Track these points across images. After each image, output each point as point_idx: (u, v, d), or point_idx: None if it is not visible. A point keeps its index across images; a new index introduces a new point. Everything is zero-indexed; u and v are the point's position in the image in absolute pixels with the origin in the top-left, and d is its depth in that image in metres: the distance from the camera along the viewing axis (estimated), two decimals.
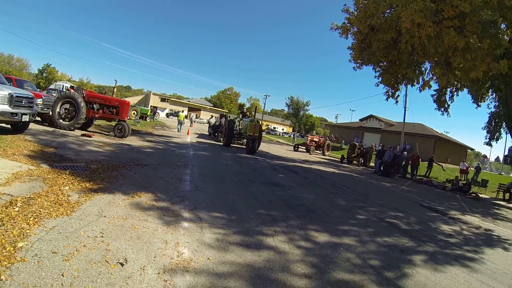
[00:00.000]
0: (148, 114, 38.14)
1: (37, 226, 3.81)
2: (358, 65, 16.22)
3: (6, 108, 8.96)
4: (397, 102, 17.55)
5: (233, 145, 21.62)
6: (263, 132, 30.49)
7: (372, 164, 26.35)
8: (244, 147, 20.05)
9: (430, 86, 15.41)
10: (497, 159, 73.41)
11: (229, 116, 23.93)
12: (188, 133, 26.62)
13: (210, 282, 3.27)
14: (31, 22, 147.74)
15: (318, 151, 32.64)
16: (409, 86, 24.04)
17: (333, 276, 3.95)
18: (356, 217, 7.54)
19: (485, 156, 54.59)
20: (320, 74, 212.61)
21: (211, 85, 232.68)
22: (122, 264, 3.27)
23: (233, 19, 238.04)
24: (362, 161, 26.93)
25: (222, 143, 21.81)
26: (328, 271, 4.07)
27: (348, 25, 15.42)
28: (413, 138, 38.99)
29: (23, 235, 3.51)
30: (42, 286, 2.66)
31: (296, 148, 32.02)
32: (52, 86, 31.96)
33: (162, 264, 3.45)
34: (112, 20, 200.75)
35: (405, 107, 33.56)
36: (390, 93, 17.29)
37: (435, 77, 14.86)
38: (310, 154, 29.46)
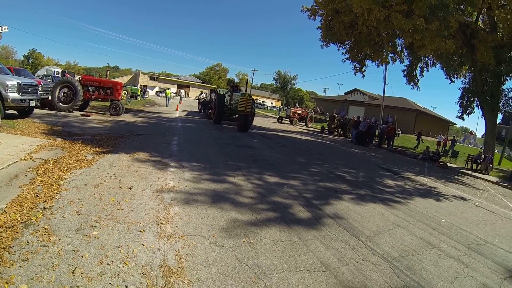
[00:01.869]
0: (139, 93, 39.47)
1: (69, 173, 5.74)
2: (325, 43, 18.10)
3: (16, 95, 10.49)
4: (363, 76, 19.55)
5: (225, 124, 20.16)
6: None
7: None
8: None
9: (388, 63, 17.35)
10: (483, 135, 76.33)
11: (219, 91, 22.88)
12: (177, 109, 28.35)
13: (186, 197, 5.30)
14: (13, 8, 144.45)
15: (301, 123, 34.40)
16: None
17: (271, 199, 5.99)
18: (309, 169, 9.60)
19: (471, 132, 56.85)
20: (309, 49, 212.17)
21: (199, 61, 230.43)
22: (130, 188, 5.25)
23: None
24: (342, 132, 28.47)
25: (212, 120, 20.54)
26: (268, 196, 6.12)
27: (316, 7, 17.16)
28: (395, 112, 40.96)
29: (61, 178, 5.42)
30: (82, 199, 4.58)
31: (280, 120, 33.82)
32: (41, 72, 32.66)
33: (155, 188, 5.47)
34: (94, 1, 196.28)
35: (384, 82, 35.36)
36: (357, 68, 19.23)
37: (390, 54, 16.80)
38: (293, 125, 31.28)
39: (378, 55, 18.10)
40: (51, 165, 6.08)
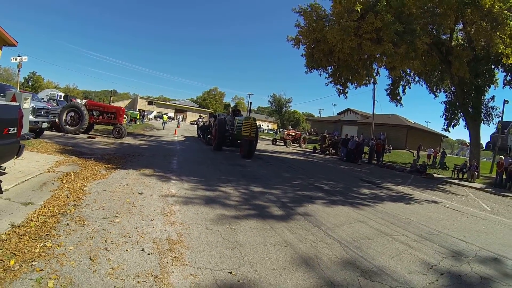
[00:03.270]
0: (138, 117, 41.10)
1: (88, 182, 7.05)
2: (308, 69, 19.95)
3: (30, 117, 11.83)
4: (346, 97, 21.24)
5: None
6: None
7: None
8: (237, 149, 18.14)
9: (365, 84, 19.17)
10: (480, 146, 78.14)
11: (218, 115, 21.72)
12: (175, 133, 29.79)
13: (185, 200, 6.63)
14: (12, 31, 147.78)
15: (295, 144, 35.87)
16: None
17: (253, 202, 7.31)
18: (292, 182, 10.92)
19: (466, 144, 58.31)
20: (304, 71, 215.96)
21: (196, 86, 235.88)
22: (140, 193, 6.57)
23: (212, 17, 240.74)
24: (333, 151, 29.47)
25: (212, 146, 19.15)
26: (251, 200, 7.44)
27: (300, 37, 19.03)
28: (387, 128, 42.74)
29: (84, 185, 6.74)
30: (103, 200, 5.87)
31: (274, 142, 35.27)
32: (42, 95, 33.92)
33: (160, 193, 6.79)
34: (93, 26, 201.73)
35: (373, 100, 37.29)
36: (340, 90, 20.96)
37: (366, 77, 18.58)
38: (286, 147, 32.65)
39: (355, 78, 19.87)
40: (72, 176, 7.40)
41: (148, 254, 3.89)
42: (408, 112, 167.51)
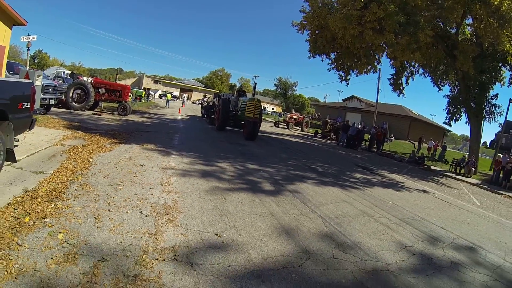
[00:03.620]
0: (143, 95, 41.57)
1: (94, 155, 7.56)
2: (312, 54, 20.18)
3: (39, 94, 12.34)
4: (347, 84, 21.51)
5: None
6: None
7: None
8: (241, 130, 18.07)
9: (366, 73, 19.38)
10: (484, 143, 78.24)
11: (223, 95, 21.67)
12: (179, 112, 30.24)
13: (183, 172, 7.15)
14: (18, 10, 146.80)
15: (298, 128, 36.20)
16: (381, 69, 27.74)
17: (246, 178, 7.82)
18: (287, 162, 11.42)
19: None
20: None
21: (202, 66, 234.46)
22: (142, 165, 7.09)
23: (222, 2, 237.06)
24: (334, 136, 29.43)
25: (215, 126, 19.31)
26: (245, 176, 7.96)
27: (305, 22, 19.21)
28: (390, 118, 42.79)
29: (90, 157, 7.25)
30: (107, 170, 6.39)
31: (277, 124, 35.61)
32: (49, 72, 34.23)
33: (160, 166, 7.32)
34: (100, 5, 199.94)
35: (378, 89, 37.34)
36: (342, 77, 21.23)
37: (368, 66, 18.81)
38: (289, 130, 32.96)
39: (357, 65, 20.11)
40: (79, 149, 7.91)
41: (146, 216, 4.42)
42: (414, 104, 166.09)
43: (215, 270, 3.38)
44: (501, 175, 17.81)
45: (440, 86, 25.01)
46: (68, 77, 27.46)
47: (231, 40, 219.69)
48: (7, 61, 12.94)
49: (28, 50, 16.42)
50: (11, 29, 14.21)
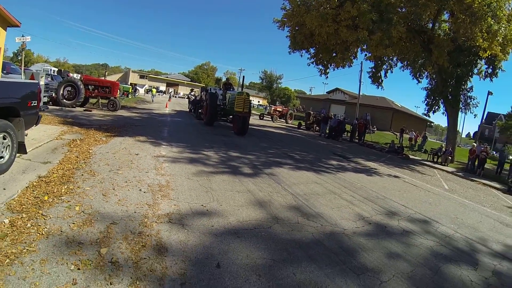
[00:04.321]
0: (130, 91, 42.02)
1: (93, 147, 8.49)
2: (292, 50, 21.31)
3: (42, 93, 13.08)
4: (327, 77, 22.72)
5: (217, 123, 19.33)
6: None
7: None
8: (230, 124, 18.29)
9: (343, 67, 20.56)
10: (468, 134, 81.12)
11: (210, 89, 20.74)
12: (166, 106, 30.99)
13: (172, 159, 8.16)
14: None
15: (282, 120, 37.30)
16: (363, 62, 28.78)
17: (229, 163, 8.87)
18: (267, 151, 12.49)
19: None
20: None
21: (188, 61, 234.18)
22: (137, 154, 8.07)
23: None
24: (317, 128, 30.43)
25: (202, 121, 19.40)
26: (228, 162, 9.01)
27: (285, 19, 20.28)
28: (374, 110, 44.20)
29: (89, 149, 8.18)
30: (107, 158, 7.33)
31: (261, 117, 36.68)
32: (34, 69, 34.40)
33: (153, 155, 8.31)
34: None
35: (360, 81, 38.50)
36: (322, 70, 22.40)
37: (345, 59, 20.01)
38: (273, 122, 34.05)
39: (333, 60, 21.27)
40: (78, 142, 8.79)
41: (144, 192, 5.43)
42: (400, 96, 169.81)
43: (201, 229, 4.42)
44: (476, 163, 18.96)
45: (419, 79, 26.20)
46: (56, 74, 27.98)
47: (216, 33, 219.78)
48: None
49: (23, 50, 17.00)
50: (6, 31, 14.94)
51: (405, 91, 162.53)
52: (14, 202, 4.30)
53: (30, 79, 9.52)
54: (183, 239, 4.04)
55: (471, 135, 53.02)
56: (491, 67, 21.06)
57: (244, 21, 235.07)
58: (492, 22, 15.59)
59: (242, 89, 18.16)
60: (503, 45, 16.86)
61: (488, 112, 74.09)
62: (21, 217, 3.90)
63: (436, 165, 19.29)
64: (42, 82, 10.51)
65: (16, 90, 6.14)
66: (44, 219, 3.99)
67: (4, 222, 3.74)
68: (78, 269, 3.09)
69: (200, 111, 20.87)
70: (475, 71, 21.48)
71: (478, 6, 15.60)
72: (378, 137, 31.41)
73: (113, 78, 71.33)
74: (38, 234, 3.60)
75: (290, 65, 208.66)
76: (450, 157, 20.35)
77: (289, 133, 23.81)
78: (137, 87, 55.69)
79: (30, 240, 3.45)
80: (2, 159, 5.42)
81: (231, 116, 17.50)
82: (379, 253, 4.67)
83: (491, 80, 21.27)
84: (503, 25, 16.06)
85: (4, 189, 4.76)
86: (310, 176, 9.29)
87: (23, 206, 4.23)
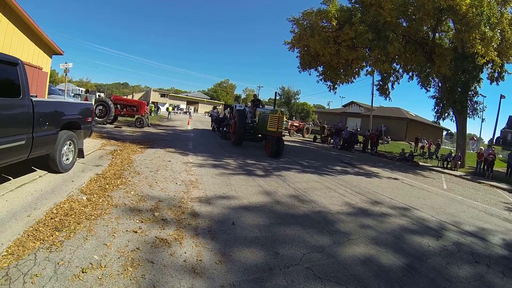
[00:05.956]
0: (153, 109, 44.54)
1: (132, 155, 10.36)
2: (301, 69, 23.18)
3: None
4: (335, 92, 24.50)
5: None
6: None
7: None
8: (254, 143, 17.46)
9: (348, 82, 22.26)
10: (490, 140, 79.99)
11: (235, 106, 19.78)
12: (188, 124, 33.12)
13: (199, 164, 10.00)
14: None
15: (299, 134, 38.72)
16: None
17: (245, 168, 10.59)
18: (280, 159, 14.10)
19: (472, 138, 58.87)
20: None
21: (206, 79, 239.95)
22: (169, 161, 9.91)
23: (223, 15, 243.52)
24: (332, 140, 31.32)
25: (230, 140, 17.56)
26: (244, 167, 10.73)
27: (294, 41, 22.22)
28: (388, 121, 44.95)
29: (129, 157, 10.03)
30: (146, 164, 9.15)
31: None
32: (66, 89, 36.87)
33: (182, 161, 10.15)
34: (104, 23, 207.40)
35: (372, 94, 39.88)
36: (331, 87, 24.14)
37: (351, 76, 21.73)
38: (290, 136, 35.42)
39: (339, 77, 22.99)
40: (119, 152, 10.69)
41: (179, 185, 7.21)
42: (414, 106, 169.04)
43: (222, 205, 6.14)
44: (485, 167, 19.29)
45: (427, 88, 27.00)
46: (84, 94, 30.57)
47: (234, 52, 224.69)
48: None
49: (66, 75, 19.41)
50: (51, 58, 17.40)
51: (419, 101, 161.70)
52: (84, 188, 6.10)
53: (84, 100, 11.51)
54: (209, 210, 5.76)
55: (493, 141, 52.58)
56: (496, 71, 21.52)
57: (262, 40, 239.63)
58: (486, 30, 16.60)
59: (274, 107, 16.26)
60: (500, 51, 17.83)
61: (510, 115, 73.22)
62: (94, 197, 5.68)
63: (445, 171, 19.46)
64: (92, 102, 12.50)
65: (78, 109, 8.08)
66: (110, 198, 5.75)
67: (83, 198, 5.52)
68: (142, 221, 4.82)
69: (225, 129, 19.61)
70: (485, 76, 22.07)
71: (471, 16, 16.52)
72: (392, 147, 32.23)
73: (136, 97, 74.68)
74: (109, 205, 5.34)
75: (307, 81, 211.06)
76: (459, 162, 20.52)
77: (303, 145, 25.29)
78: (159, 106, 58.49)
79: (104, 208, 5.20)
80: (68, 160, 7.29)
81: (259, 135, 16.48)
82: (353, 224, 6.22)
83: (497, 84, 21.81)
84: (498, 32, 17.07)
85: (72, 181, 6.57)
86: (313, 177, 10.87)
87: (92, 191, 6.01)
